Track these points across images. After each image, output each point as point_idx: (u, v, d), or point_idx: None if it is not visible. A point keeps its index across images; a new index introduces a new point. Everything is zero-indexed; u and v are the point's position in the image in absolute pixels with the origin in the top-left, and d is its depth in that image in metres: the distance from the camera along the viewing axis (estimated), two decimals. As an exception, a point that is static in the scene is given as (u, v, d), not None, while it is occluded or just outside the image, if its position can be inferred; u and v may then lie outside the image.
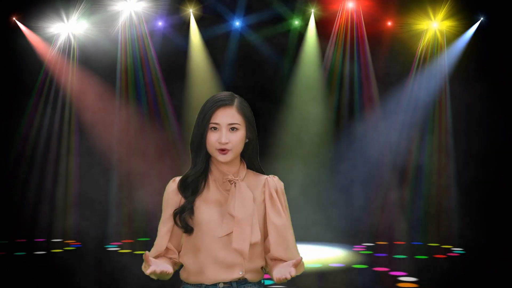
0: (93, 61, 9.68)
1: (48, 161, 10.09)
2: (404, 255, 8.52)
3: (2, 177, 9.80)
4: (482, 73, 9.26)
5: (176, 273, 2.28)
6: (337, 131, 10.13)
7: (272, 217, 2.21)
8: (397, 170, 9.94)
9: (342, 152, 10.07)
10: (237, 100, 2.23)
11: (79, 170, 10.20)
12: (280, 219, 2.21)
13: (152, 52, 9.81)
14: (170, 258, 2.25)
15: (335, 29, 9.73)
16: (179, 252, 2.27)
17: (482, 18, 9.43)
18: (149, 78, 9.94)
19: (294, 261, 2.04)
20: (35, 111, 9.83)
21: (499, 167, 9.37)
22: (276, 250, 2.20)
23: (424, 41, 9.69)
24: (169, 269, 2.08)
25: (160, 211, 2.31)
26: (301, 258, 2.06)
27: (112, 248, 9.05)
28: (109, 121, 9.98)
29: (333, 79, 10.03)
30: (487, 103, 9.35)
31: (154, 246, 2.25)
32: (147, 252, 2.06)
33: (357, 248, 9.12)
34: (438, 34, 9.65)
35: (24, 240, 9.57)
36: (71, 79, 9.88)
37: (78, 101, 9.95)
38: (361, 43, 9.76)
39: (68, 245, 9.31)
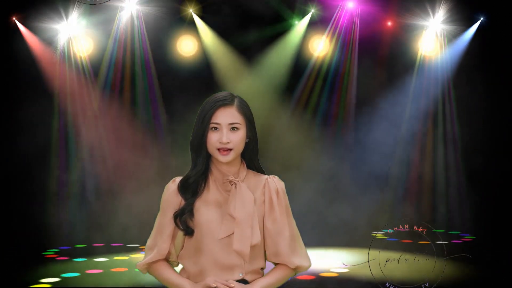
0: (93, 61, 9.60)
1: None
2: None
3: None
4: (483, 72, 9.25)
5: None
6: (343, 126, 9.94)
7: (267, 223, 2.22)
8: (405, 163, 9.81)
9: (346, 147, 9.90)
10: (237, 100, 2.23)
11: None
12: (274, 226, 2.21)
13: (149, 53, 9.64)
14: (170, 263, 2.27)
15: (333, 28, 9.69)
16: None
17: (482, 18, 9.43)
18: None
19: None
20: (33, 112, 9.70)
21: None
22: (268, 255, 2.24)
23: (424, 40, 9.67)
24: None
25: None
26: (233, 286, 2.12)
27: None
28: (107, 120, 9.70)
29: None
30: (488, 101, 9.32)
31: (155, 248, 2.22)
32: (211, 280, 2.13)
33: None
34: (437, 33, 9.64)
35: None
36: (70, 79, 9.77)
37: (78, 103, 9.77)
38: (360, 42, 9.74)
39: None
